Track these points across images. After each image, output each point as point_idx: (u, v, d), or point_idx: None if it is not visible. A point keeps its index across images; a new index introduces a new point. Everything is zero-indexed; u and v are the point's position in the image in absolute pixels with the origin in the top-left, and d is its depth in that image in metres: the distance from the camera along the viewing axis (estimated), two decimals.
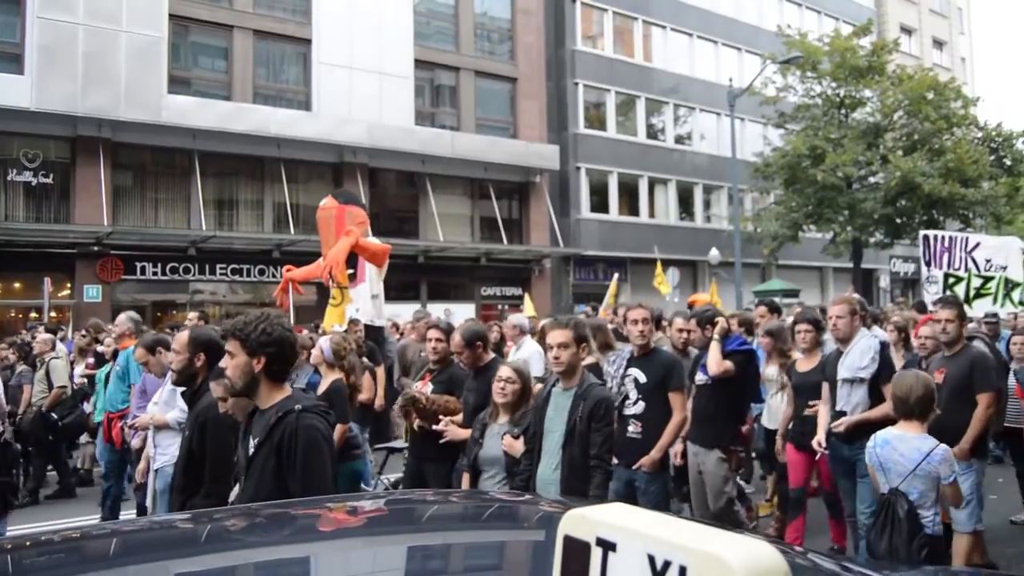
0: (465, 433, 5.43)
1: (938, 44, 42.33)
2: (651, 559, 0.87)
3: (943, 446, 4.28)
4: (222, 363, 3.47)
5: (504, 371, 5.08)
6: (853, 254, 27.78)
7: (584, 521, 0.97)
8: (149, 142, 20.04)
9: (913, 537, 4.12)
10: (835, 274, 33.67)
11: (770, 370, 7.41)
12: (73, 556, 2.03)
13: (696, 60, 31.62)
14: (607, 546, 0.92)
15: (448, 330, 6.49)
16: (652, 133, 30.59)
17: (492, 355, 6.14)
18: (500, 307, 24.08)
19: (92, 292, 19.02)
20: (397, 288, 23.89)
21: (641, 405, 5.66)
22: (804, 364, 6.64)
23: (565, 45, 28.15)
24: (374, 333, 10.03)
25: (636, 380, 5.69)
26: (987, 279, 9.90)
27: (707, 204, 32.24)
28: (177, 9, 20.20)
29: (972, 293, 9.87)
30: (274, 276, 21.31)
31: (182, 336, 5.01)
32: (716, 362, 6.21)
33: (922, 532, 4.16)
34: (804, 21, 32.32)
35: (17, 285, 19.33)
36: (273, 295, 10.84)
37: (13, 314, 19.01)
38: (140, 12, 19.30)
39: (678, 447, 6.41)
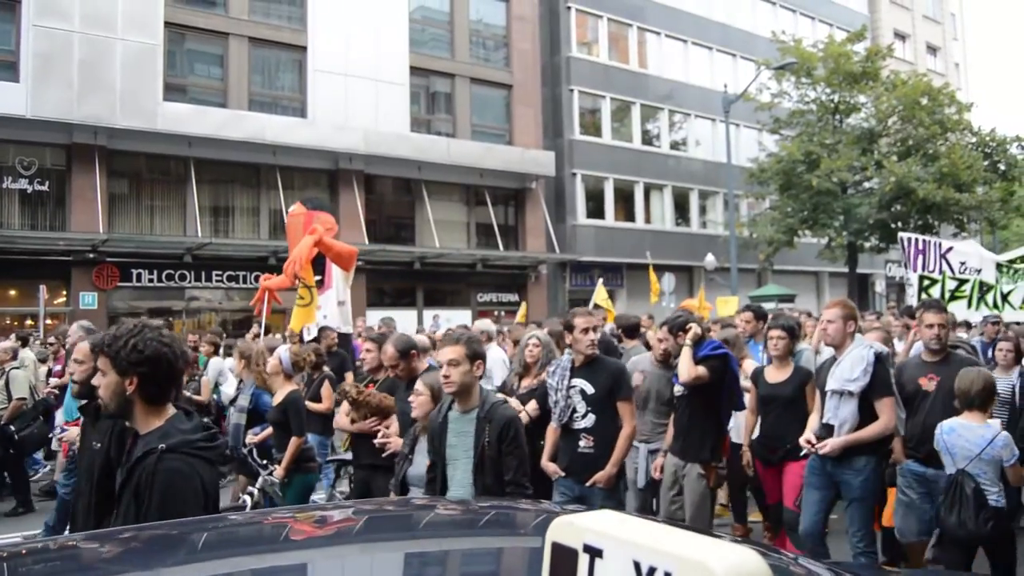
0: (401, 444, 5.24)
1: (932, 50, 42.48)
2: (637, 565, 0.88)
3: (1004, 433, 4.90)
4: (94, 380, 2.99)
5: (417, 384, 4.86)
6: (848, 259, 27.82)
7: (572, 528, 0.98)
8: (145, 149, 20.04)
9: (979, 511, 4.68)
10: (831, 279, 33.72)
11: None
12: None
13: (691, 66, 31.70)
14: (594, 552, 0.94)
15: (380, 340, 6.26)
16: (647, 139, 30.64)
17: (428, 363, 5.94)
18: (496, 313, 24.05)
19: (88, 299, 19.00)
20: (393, 295, 23.97)
21: (591, 418, 5.32)
22: (774, 374, 6.25)
23: (560, 52, 28.21)
24: (342, 341, 9.96)
25: (583, 392, 5.36)
26: (962, 282, 9.68)
27: (703, 210, 32.29)
28: (173, 16, 20.22)
29: (947, 296, 9.62)
30: None
31: (84, 345, 4.61)
32: (686, 368, 5.84)
33: (987, 507, 4.71)
34: (798, 27, 32.42)
35: (12, 293, 19.30)
36: (251, 304, 10.79)
37: (8, 322, 18.97)
38: (135, 19, 19.31)
39: (659, 461, 6.23)
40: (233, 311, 21.49)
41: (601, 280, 17.68)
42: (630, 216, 29.55)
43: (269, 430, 6.58)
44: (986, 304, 9.55)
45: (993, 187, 26.92)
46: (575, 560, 0.96)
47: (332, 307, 10.04)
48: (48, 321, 17.72)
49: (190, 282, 20.53)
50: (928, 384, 5.46)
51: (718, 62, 32.33)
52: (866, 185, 26.88)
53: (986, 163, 27.25)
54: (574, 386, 5.39)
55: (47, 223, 19.32)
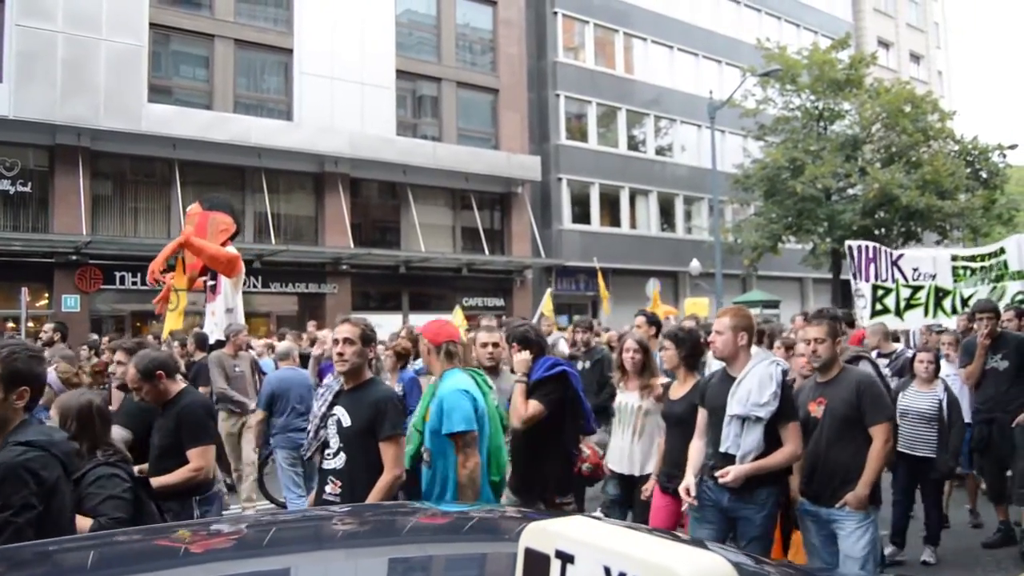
0: (154, 481, 4.27)
1: (915, 58, 42.85)
2: (607, 570, 0.90)
3: None
4: None
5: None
6: (832, 265, 27.99)
7: (544, 534, 0.99)
8: (129, 151, 19.94)
9: None
10: (815, 285, 33.92)
11: (625, 397, 5.83)
12: None
13: (677, 72, 31.84)
14: (566, 558, 0.95)
15: (134, 350, 5.32)
16: (633, 144, 30.74)
17: (182, 385, 5.00)
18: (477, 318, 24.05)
19: (70, 302, 18.86)
20: (378, 299, 23.93)
21: (342, 457, 4.16)
22: (675, 390, 5.44)
23: (547, 56, 28.27)
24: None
25: (339, 422, 4.20)
26: (916, 289, 9.49)
27: (688, 215, 32.42)
28: (158, 18, 20.14)
29: (903, 304, 9.49)
30: (255, 286, 21.23)
31: None
32: (517, 414, 4.98)
33: None
34: (783, 34, 32.61)
35: None
36: (153, 302, 10.36)
37: None
38: (120, 20, 19.22)
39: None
40: None
41: (549, 290, 17.64)
42: (615, 221, 29.62)
43: None
44: (943, 311, 9.34)
45: (975, 194, 27.17)
46: (547, 565, 0.97)
47: (220, 314, 9.52)
48: (30, 324, 17.57)
49: None
50: (816, 409, 4.70)
51: (703, 68, 32.50)
52: (850, 192, 27.07)
53: (968, 171, 27.50)
54: (333, 415, 4.30)
55: (29, 224, 19.18)
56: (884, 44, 39.96)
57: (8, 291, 17.94)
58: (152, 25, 19.96)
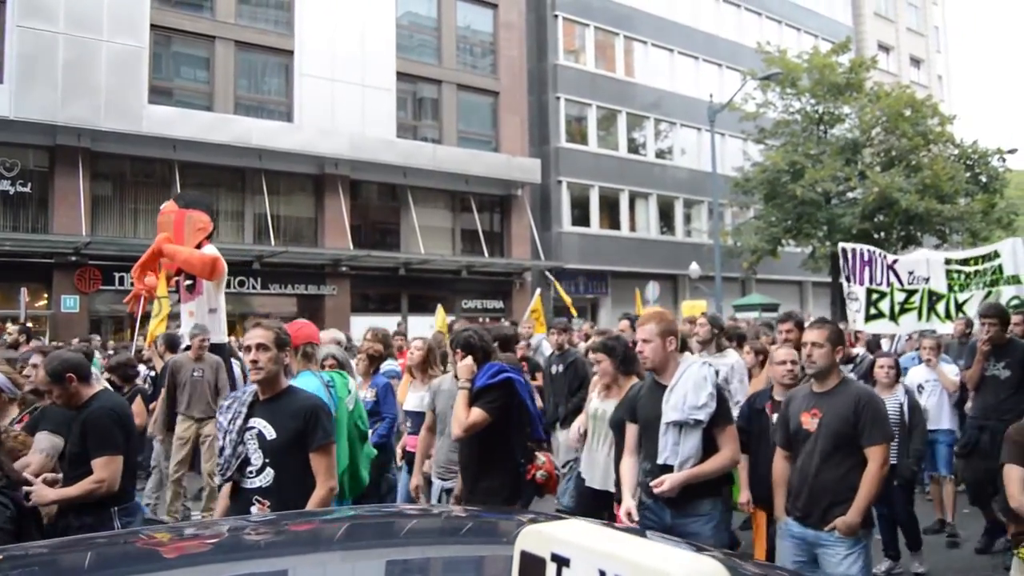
0: (52, 494, 4.14)
1: (915, 62, 42.89)
2: (602, 574, 0.90)
3: None
4: None
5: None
6: (832, 268, 27.95)
7: (540, 537, 1.00)
8: (129, 152, 19.95)
9: None
10: (814, 288, 33.92)
11: (601, 405, 5.54)
12: None
13: (677, 76, 31.86)
14: (561, 561, 0.96)
15: (48, 352, 5.03)
16: (633, 147, 30.76)
17: (101, 387, 4.76)
18: (481, 320, 24.07)
19: (70, 303, 18.86)
20: (377, 301, 23.94)
21: (269, 474, 3.81)
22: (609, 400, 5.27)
23: (547, 59, 28.29)
24: (216, 351, 8.89)
25: (261, 435, 3.84)
26: (911, 293, 9.29)
27: (687, 218, 32.43)
28: (159, 19, 20.16)
29: (897, 308, 9.28)
30: (254, 288, 21.26)
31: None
32: (459, 421, 4.73)
33: None
34: (784, 38, 32.62)
35: None
36: (124, 301, 10.07)
37: None
38: (121, 22, 19.24)
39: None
40: None
41: (539, 291, 17.63)
42: (615, 224, 29.63)
43: None
44: (937, 315, 9.15)
45: (975, 199, 27.17)
46: (543, 569, 0.97)
47: (202, 315, 9.23)
48: (29, 324, 17.57)
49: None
50: (809, 421, 4.29)
51: (704, 72, 32.52)
52: (850, 195, 27.07)
53: (968, 175, 27.50)
54: (251, 427, 3.90)
55: (29, 225, 19.19)
56: (884, 48, 40.00)
57: (7, 291, 17.96)
58: (153, 26, 19.98)
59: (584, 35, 29.57)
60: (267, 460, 3.80)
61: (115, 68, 19.10)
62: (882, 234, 27.01)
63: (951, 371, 7.77)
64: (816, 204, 26.06)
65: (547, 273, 25.07)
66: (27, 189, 19.04)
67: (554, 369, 8.19)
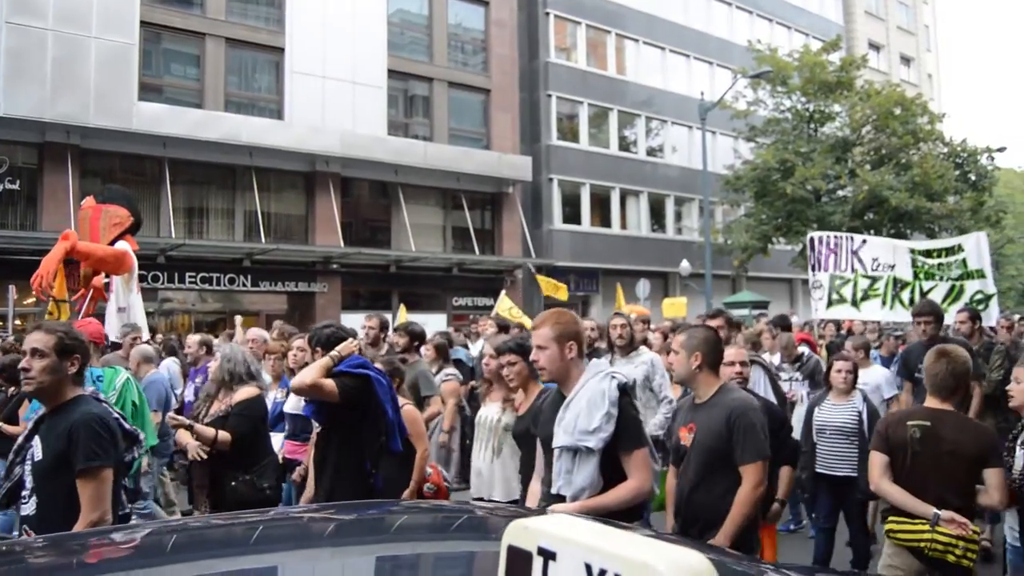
0: None
1: (905, 60, 43.05)
2: (588, 567, 0.91)
3: None
4: None
5: None
6: None
7: (527, 531, 1.00)
8: (119, 149, 19.87)
9: None
10: (804, 286, 33.95)
11: (485, 410, 5.30)
12: None
13: (668, 73, 31.91)
14: (547, 555, 0.96)
15: None
16: (624, 145, 30.79)
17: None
18: (472, 317, 24.07)
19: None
20: (368, 298, 23.89)
21: (33, 501, 3.36)
22: (523, 404, 4.79)
23: (539, 57, 28.28)
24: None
25: (32, 456, 3.39)
26: (875, 279, 9.24)
27: (678, 216, 32.50)
28: (149, 16, 20.07)
29: (860, 295, 9.26)
30: (244, 285, 21.21)
31: None
32: (301, 377, 4.44)
33: None
34: (774, 36, 32.69)
35: None
36: (73, 299, 9.70)
37: None
38: (111, 18, 19.14)
39: None
40: (206, 313, 21.34)
41: (504, 291, 17.62)
42: (606, 222, 29.68)
43: None
44: (901, 303, 9.08)
45: (964, 197, 27.28)
46: (529, 562, 0.98)
47: (111, 315, 8.94)
48: (17, 322, 17.49)
49: (163, 283, 20.35)
50: (687, 437, 3.92)
51: (695, 70, 32.57)
52: (840, 193, 27.15)
53: (957, 173, 27.61)
54: (30, 446, 3.43)
55: (18, 222, 19.08)
56: (875, 47, 40.12)
57: None
58: (143, 23, 19.89)
59: (575, 33, 29.57)
60: (34, 485, 3.35)
61: (105, 65, 19.01)
62: (872, 232, 27.10)
63: (882, 375, 7.33)
64: (806, 202, 26.13)
65: (530, 266, 25.16)
66: (16, 186, 18.93)
67: None
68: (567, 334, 3.59)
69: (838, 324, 11.50)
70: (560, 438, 3.49)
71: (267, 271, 21.62)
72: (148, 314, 20.29)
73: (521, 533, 1.00)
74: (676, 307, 19.99)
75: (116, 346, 8.42)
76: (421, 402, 6.56)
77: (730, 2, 34.56)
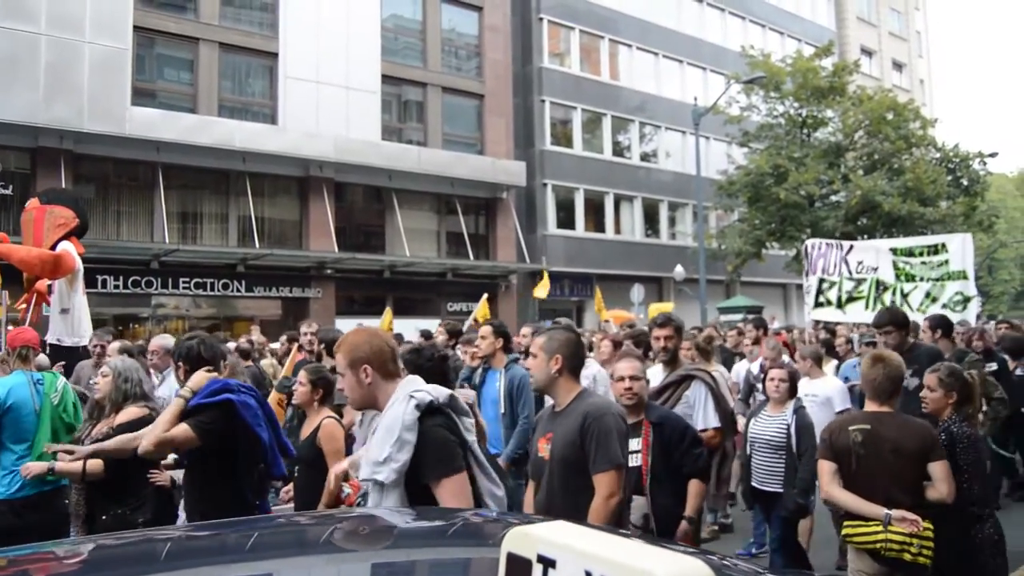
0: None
1: (897, 66, 43.24)
2: (588, 575, 0.90)
3: None
4: None
5: None
6: None
7: (526, 538, 1.00)
8: (112, 154, 19.81)
9: None
10: (798, 291, 34.05)
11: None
12: None
13: (662, 79, 31.99)
14: (547, 563, 0.96)
15: None
16: (618, 150, 30.84)
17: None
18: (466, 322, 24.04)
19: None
20: (362, 303, 23.87)
21: None
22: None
23: (532, 62, 28.32)
24: (66, 355, 8.09)
25: None
26: (859, 282, 9.38)
27: (672, 221, 32.55)
28: (142, 20, 20.03)
29: (844, 297, 9.39)
30: (239, 290, 21.16)
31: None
32: (152, 434, 4.02)
33: None
34: (767, 42, 32.83)
35: None
36: (16, 306, 9.52)
37: None
38: (104, 23, 19.10)
39: None
40: (200, 318, 21.27)
41: (485, 295, 17.58)
42: (600, 227, 29.71)
43: None
44: (884, 305, 9.08)
45: (956, 202, 27.43)
46: (529, 570, 0.98)
47: (54, 318, 8.68)
48: (9, 327, 17.38)
49: (157, 289, 20.29)
50: (544, 448, 3.65)
51: (688, 75, 32.67)
52: (833, 198, 27.25)
53: (949, 178, 27.76)
54: None
55: (10, 227, 18.94)
56: (867, 52, 40.29)
57: None
58: (136, 28, 19.85)
59: (569, 38, 29.62)
60: None
61: (98, 70, 18.96)
62: (865, 236, 27.20)
63: (834, 387, 6.86)
64: (800, 207, 26.21)
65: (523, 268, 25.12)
66: (8, 191, 18.85)
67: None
68: (359, 358, 3.12)
69: (832, 330, 11.52)
70: (363, 470, 3.11)
71: (261, 276, 21.57)
72: (143, 319, 20.39)
73: (521, 540, 1.00)
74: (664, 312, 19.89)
75: (59, 348, 8.23)
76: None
77: (723, 8, 34.68)
